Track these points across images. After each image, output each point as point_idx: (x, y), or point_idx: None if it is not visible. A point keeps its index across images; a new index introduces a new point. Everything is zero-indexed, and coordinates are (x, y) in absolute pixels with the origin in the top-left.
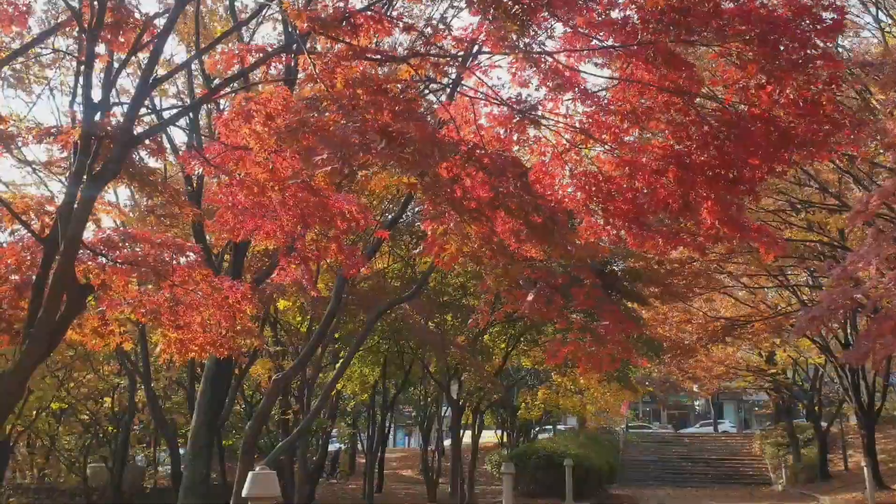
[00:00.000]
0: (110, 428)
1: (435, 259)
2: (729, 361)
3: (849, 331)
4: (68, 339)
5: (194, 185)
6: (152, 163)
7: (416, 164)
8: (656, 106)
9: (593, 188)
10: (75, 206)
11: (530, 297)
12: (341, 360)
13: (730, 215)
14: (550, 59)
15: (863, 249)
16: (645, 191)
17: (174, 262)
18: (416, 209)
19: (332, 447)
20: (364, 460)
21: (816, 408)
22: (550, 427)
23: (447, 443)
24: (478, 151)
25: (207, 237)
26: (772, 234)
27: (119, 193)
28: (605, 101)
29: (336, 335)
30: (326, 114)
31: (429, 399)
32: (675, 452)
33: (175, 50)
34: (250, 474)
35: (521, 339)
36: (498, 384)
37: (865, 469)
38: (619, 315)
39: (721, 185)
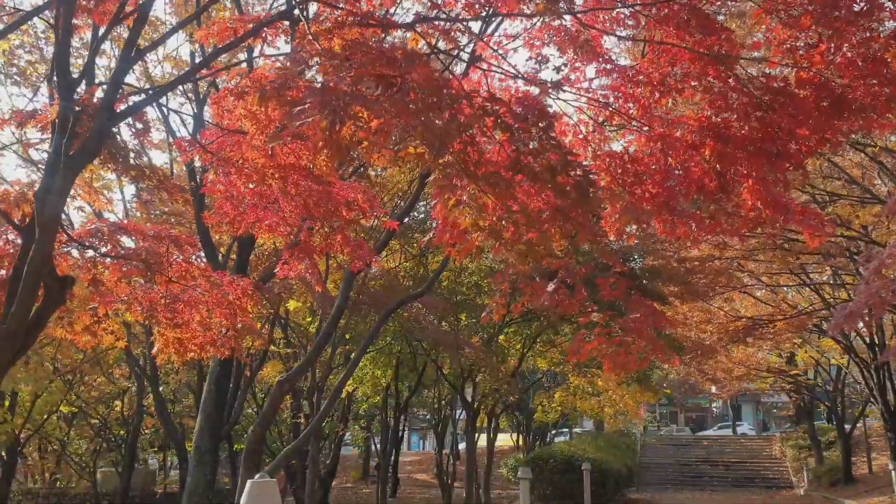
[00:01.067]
0: (121, 432)
1: (447, 248)
2: (749, 362)
3: (874, 330)
4: (71, 340)
5: (198, 179)
6: (156, 156)
7: (420, 112)
8: (691, 74)
9: (619, 170)
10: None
11: (551, 288)
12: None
13: (773, 195)
14: (572, 26)
15: None
16: (677, 171)
17: (171, 256)
18: (428, 203)
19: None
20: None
21: (839, 409)
22: (567, 430)
23: (462, 446)
24: (493, 106)
25: (215, 237)
26: (819, 217)
27: (125, 192)
28: (633, 73)
29: (347, 336)
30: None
31: (443, 402)
32: (693, 455)
33: (179, 41)
34: (248, 483)
35: (538, 339)
36: (514, 385)
37: (893, 472)
38: (650, 307)
39: (764, 161)
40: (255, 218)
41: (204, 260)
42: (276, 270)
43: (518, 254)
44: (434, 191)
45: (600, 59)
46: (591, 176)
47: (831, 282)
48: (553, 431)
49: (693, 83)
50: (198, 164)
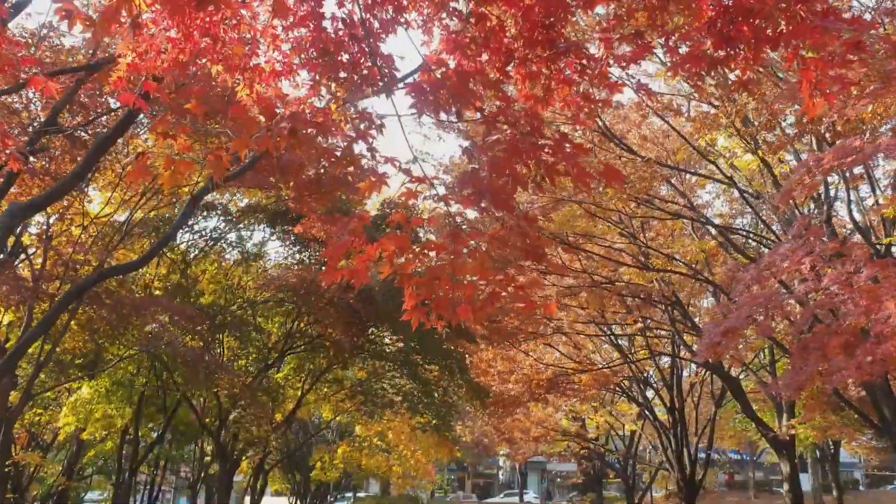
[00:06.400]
0: None
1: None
2: (548, 423)
3: (675, 393)
4: None
5: None
6: None
7: None
8: None
9: None
10: None
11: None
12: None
13: None
14: None
15: (783, 247)
16: None
17: None
18: None
19: None
20: None
21: (631, 478)
22: (351, 494)
23: None
24: None
25: None
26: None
27: None
28: None
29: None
30: None
31: (206, 458)
32: None
33: None
34: None
35: (322, 376)
36: (285, 433)
37: None
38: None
39: None
40: None
41: None
42: None
43: None
44: None
45: None
46: None
47: (641, 334)
48: (334, 495)
49: None
50: None
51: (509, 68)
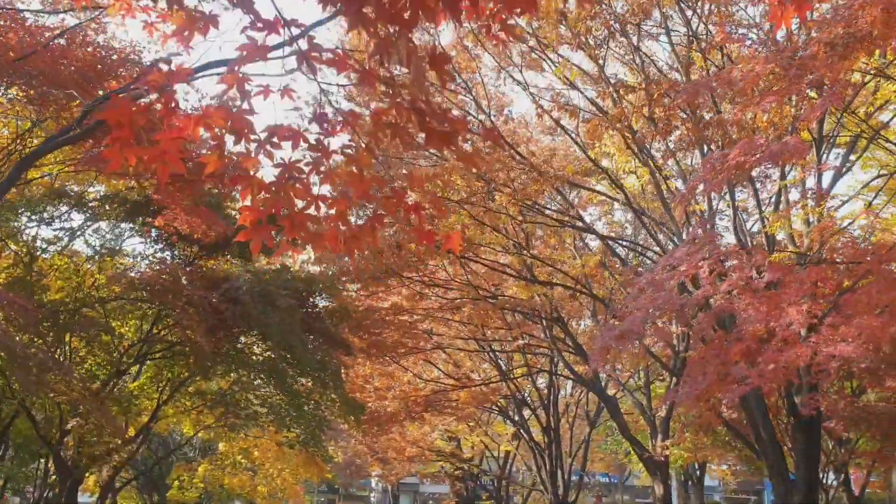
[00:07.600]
0: None
1: None
2: (423, 442)
3: (550, 412)
4: None
5: None
6: None
7: None
8: None
9: None
10: None
11: None
12: None
13: None
14: None
15: (680, 251)
16: None
17: None
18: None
19: None
20: None
21: (504, 499)
22: None
23: None
24: None
25: None
26: None
27: None
28: None
29: None
30: None
31: (51, 476)
32: None
33: None
34: None
35: (182, 387)
36: (135, 445)
37: None
38: None
39: None
40: None
41: None
42: None
43: None
44: None
45: None
46: None
47: (521, 351)
48: None
49: None
50: None
51: None
